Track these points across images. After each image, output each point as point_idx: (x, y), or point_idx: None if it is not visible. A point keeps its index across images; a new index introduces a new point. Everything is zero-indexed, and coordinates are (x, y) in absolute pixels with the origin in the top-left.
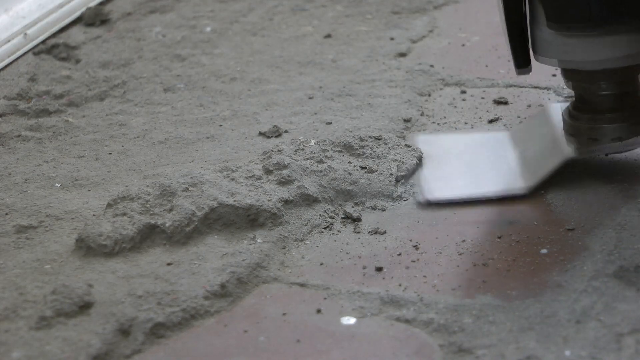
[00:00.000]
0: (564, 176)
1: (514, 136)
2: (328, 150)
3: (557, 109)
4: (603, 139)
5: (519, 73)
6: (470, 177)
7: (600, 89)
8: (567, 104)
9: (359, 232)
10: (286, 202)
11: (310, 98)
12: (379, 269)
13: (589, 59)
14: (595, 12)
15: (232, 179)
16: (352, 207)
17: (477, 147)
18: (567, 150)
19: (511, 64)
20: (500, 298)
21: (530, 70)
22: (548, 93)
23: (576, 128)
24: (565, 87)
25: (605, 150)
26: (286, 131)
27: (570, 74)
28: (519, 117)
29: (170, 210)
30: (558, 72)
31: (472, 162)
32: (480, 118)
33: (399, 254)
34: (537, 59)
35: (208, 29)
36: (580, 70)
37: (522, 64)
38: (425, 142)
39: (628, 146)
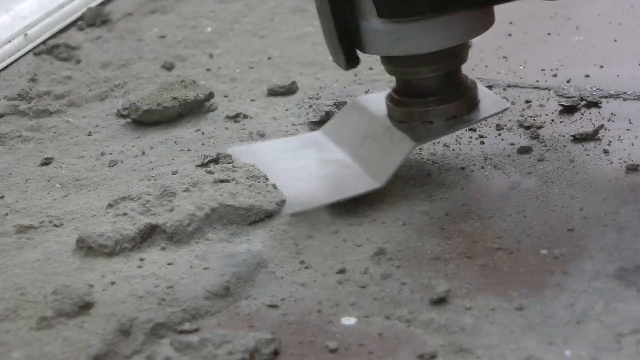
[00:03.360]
0: (562, 177)
1: (330, 134)
2: None
3: (370, 99)
4: (437, 120)
5: (348, 68)
6: (316, 184)
7: (429, 71)
8: (377, 93)
9: (359, 232)
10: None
11: (311, 98)
12: (380, 269)
13: (423, 42)
14: (431, 3)
15: (233, 179)
16: (353, 208)
17: (300, 151)
18: (410, 139)
19: (511, 64)
20: (500, 298)
21: (358, 64)
22: (548, 93)
23: (407, 114)
24: (565, 87)
25: (444, 132)
26: (287, 131)
27: (393, 60)
28: (521, 116)
29: (171, 210)
30: (559, 71)
31: (307, 168)
32: None
33: (401, 254)
34: (364, 51)
35: (208, 29)
36: (408, 56)
37: (352, 59)
38: (242, 154)
39: (464, 123)
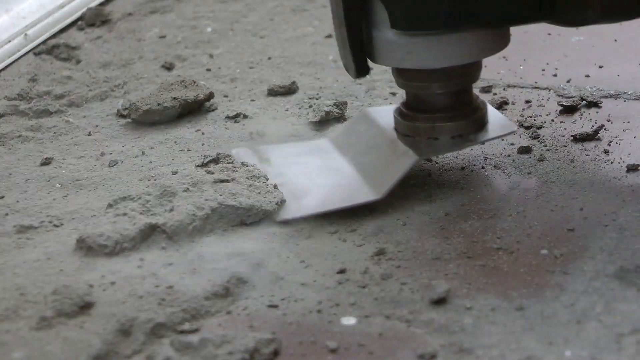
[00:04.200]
0: (563, 177)
1: (336, 142)
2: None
3: (380, 112)
4: (443, 137)
5: (357, 77)
6: (314, 192)
7: (438, 87)
8: (388, 106)
9: (359, 233)
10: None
11: (311, 98)
12: (380, 269)
13: (434, 58)
14: (446, 14)
15: (233, 179)
16: (352, 209)
17: (304, 157)
18: (412, 153)
19: (511, 64)
20: (500, 298)
21: (368, 74)
22: (548, 93)
23: (414, 128)
24: (565, 87)
25: (448, 149)
26: (287, 131)
27: (405, 73)
28: (521, 116)
29: (171, 210)
30: (559, 71)
31: (307, 175)
32: None
33: (401, 254)
34: (375, 62)
35: (208, 29)
36: (418, 70)
37: (362, 68)
38: (245, 154)
39: (469, 142)
